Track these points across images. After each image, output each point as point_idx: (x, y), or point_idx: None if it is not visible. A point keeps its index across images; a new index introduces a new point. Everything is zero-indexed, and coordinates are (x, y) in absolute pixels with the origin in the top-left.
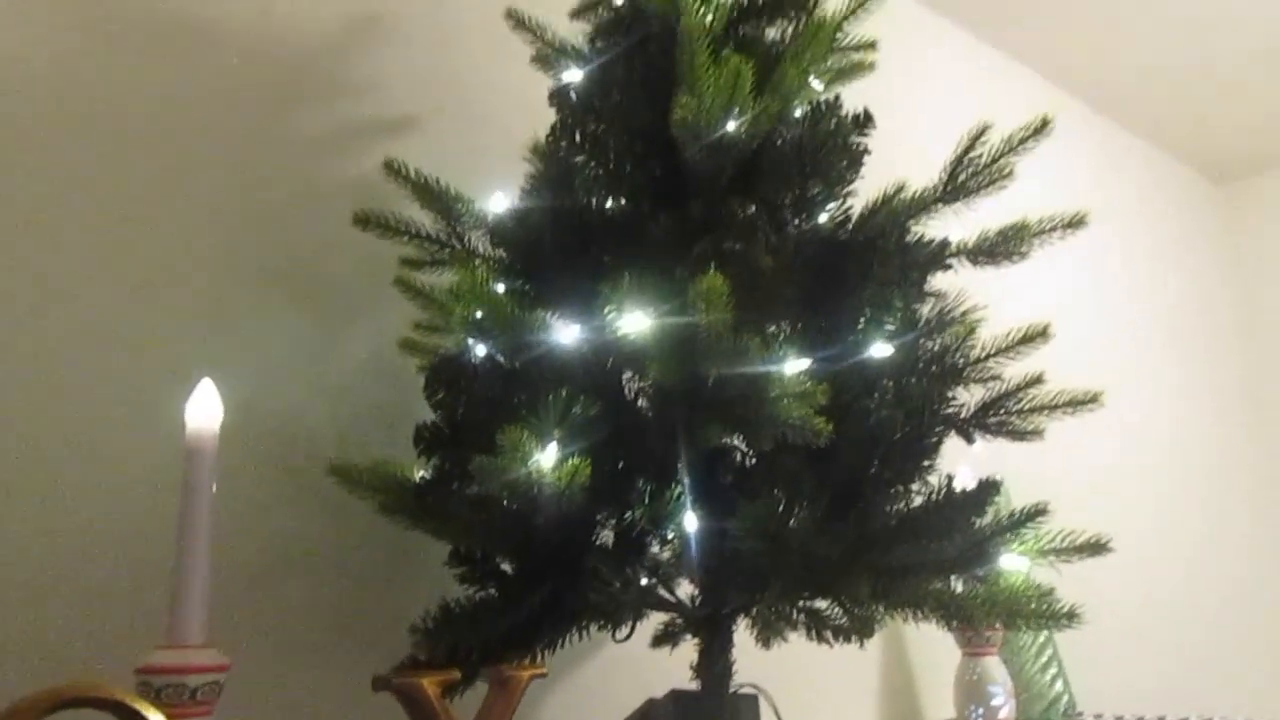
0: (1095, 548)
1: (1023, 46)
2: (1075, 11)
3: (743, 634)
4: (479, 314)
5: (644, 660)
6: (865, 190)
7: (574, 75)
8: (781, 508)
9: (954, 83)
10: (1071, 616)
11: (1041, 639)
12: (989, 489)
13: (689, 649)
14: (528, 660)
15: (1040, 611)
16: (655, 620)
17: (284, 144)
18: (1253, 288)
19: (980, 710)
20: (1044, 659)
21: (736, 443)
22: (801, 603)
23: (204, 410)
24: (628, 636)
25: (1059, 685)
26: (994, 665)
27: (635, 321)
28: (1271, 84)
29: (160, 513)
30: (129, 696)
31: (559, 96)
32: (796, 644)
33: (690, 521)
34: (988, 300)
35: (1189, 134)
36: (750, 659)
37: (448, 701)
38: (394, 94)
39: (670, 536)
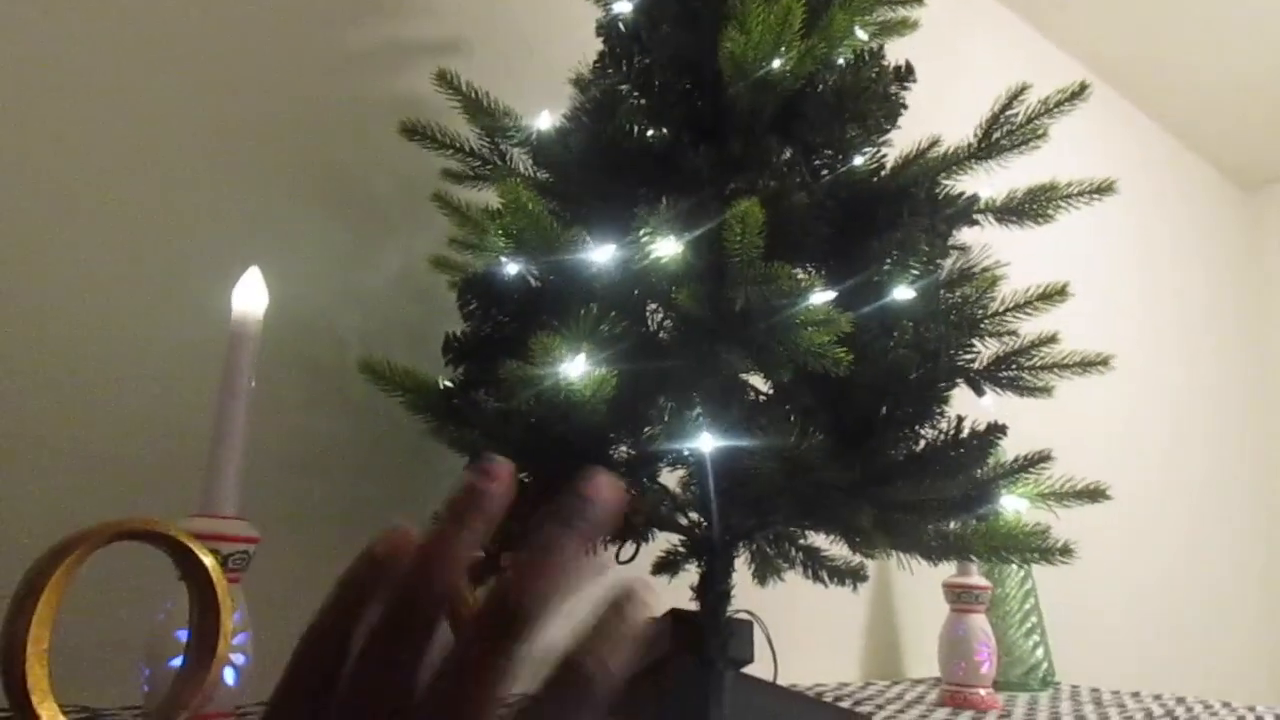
0: (1094, 494)
1: (1066, 33)
2: (1121, 6)
3: (740, 573)
4: (518, 228)
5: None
6: (900, 146)
7: (624, 6)
8: (795, 435)
9: (995, 63)
10: (1065, 551)
11: (1027, 607)
12: (995, 432)
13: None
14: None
15: (1035, 546)
16: (656, 549)
17: (332, 57)
18: (1268, 290)
19: (963, 665)
20: (1028, 626)
21: (753, 380)
22: (801, 539)
23: (250, 295)
24: (631, 559)
25: (1040, 653)
26: (980, 623)
27: (668, 245)
28: None
29: (196, 397)
30: (183, 534)
31: (608, 27)
32: (790, 587)
33: (706, 442)
34: (1008, 270)
35: (1220, 137)
36: (744, 597)
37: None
38: (443, 15)
39: (685, 454)
